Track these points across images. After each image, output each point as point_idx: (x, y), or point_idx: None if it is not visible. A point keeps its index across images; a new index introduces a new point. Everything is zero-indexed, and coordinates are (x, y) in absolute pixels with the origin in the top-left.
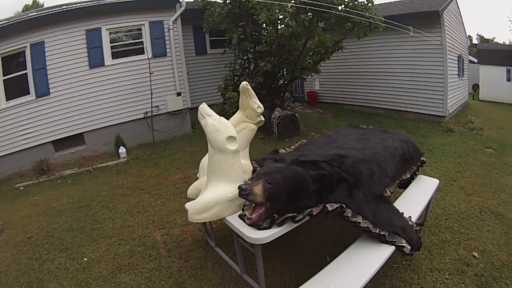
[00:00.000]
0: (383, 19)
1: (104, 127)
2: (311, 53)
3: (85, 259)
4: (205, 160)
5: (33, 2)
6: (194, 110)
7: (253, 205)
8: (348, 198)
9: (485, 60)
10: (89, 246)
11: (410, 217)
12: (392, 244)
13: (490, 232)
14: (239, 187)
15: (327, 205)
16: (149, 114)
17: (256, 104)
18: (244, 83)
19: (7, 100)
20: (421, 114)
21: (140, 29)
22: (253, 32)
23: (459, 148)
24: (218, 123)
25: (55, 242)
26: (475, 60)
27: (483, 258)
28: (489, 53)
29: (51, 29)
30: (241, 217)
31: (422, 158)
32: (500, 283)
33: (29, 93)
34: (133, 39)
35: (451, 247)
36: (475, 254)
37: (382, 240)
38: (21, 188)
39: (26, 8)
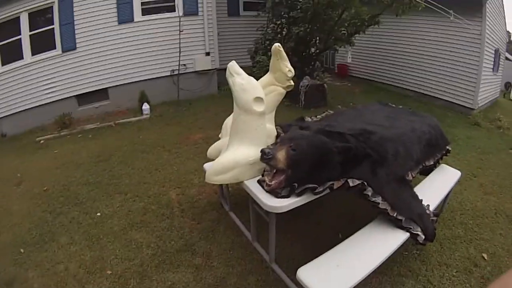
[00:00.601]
0: None
1: (129, 83)
2: (346, 24)
3: (98, 214)
4: (228, 120)
5: None
6: (222, 71)
7: (274, 171)
8: (370, 176)
9: None
10: (103, 201)
11: (428, 205)
12: (407, 231)
13: (502, 236)
14: (262, 151)
15: (349, 180)
16: (176, 72)
17: (287, 67)
18: (276, 44)
19: (33, 54)
20: (450, 103)
21: None
22: None
23: (483, 144)
24: (246, 83)
25: (70, 195)
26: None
27: (492, 261)
28: None
29: None
30: (260, 182)
31: (447, 147)
32: None
33: (55, 48)
34: None
35: (462, 244)
36: (485, 255)
37: (398, 225)
38: (41, 141)
39: None
